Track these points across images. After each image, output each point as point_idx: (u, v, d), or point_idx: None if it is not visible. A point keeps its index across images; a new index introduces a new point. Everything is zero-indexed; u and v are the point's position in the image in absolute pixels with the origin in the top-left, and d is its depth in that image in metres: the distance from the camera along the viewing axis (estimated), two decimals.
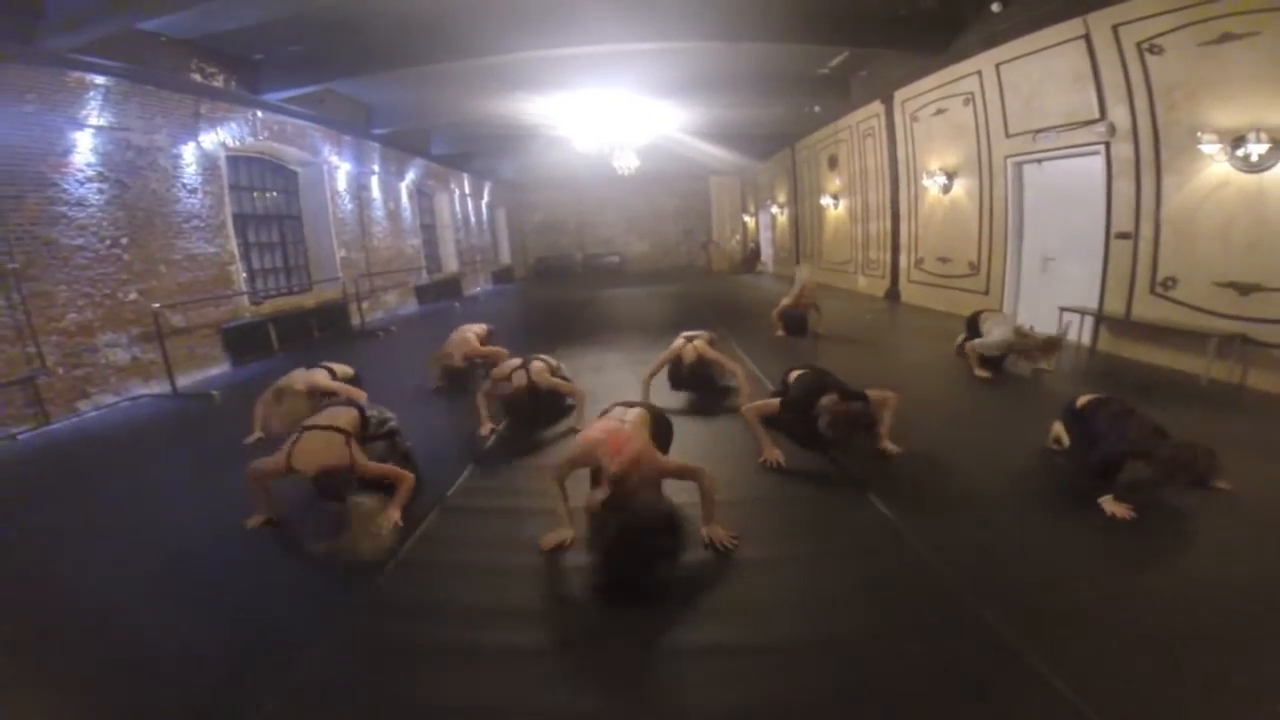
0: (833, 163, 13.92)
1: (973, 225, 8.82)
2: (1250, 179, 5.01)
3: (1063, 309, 6.82)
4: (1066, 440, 3.71)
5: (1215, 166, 5.24)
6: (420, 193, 15.48)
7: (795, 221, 17.04)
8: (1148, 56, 5.73)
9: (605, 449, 2.90)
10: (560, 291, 16.75)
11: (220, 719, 1.98)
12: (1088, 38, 6.31)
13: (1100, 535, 2.89)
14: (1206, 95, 5.27)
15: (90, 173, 6.45)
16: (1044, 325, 6.80)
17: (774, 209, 18.96)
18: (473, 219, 19.31)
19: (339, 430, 3.38)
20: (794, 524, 3.24)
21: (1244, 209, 5.10)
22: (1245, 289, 5.15)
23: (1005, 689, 1.98)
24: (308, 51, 7.91)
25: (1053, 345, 5.63)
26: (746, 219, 22.88)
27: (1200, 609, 2.31)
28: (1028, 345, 5.59)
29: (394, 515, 3.25)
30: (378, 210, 12.82)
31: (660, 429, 3.46)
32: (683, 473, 3.08)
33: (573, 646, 2.37)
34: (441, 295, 15.22)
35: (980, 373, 5.67)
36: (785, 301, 8.32)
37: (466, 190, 18.67)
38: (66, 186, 6.20)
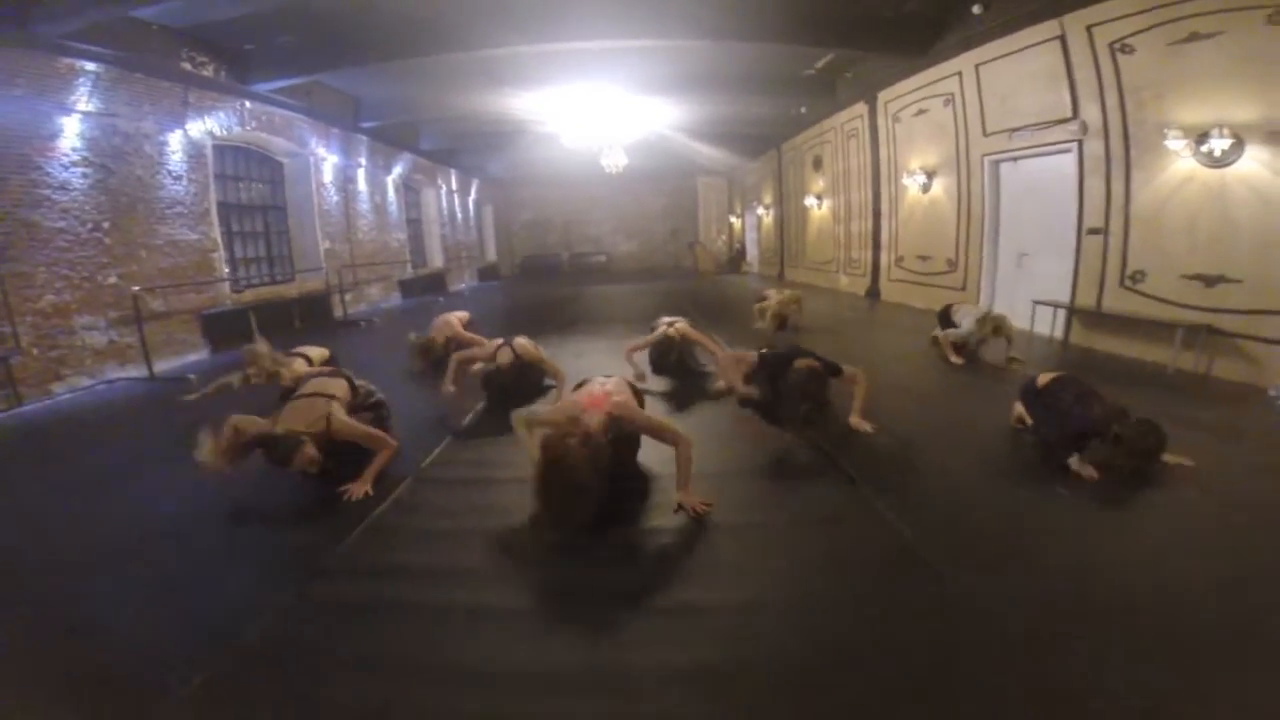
0: (817, 163, 14.06)
1: (951, 223, 8.96)
2: (1214, 174, 5.15)
3: (1036, 303, 6.96)
4: (1029, 419, 3.80)
5: (1181, 162, 5.39)
6: (407, 187, 15.46)
7: (780, 222, 17.18)
8: (1119, 56, 5.87)
9: (583, 408, 2.97)
10: (546, 289, 16.75)
11: (171, 680, 1.96)
12: (1063, 38, 6.46)
13: (1069, 508, 2.96)
14: (1173, 93, 5.42)
15: (75, 157, 6.43)
16: (1017, 320, 6.93)
17: (760, 210, 19.10)
18: (459, 215, 19.29)
19: (326, 396, 3.41)
20: (767, 495, 3.30)
21: (1208, 203, 5.25)
22: (1210, 281, 5.29)
23: (975, 657, 1.99)
24: (297, 42, 7.93)
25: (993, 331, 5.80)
26: (733, 220, 23.03)
27: (1164, 578, 2.37)
28: (987, 333, 5.77)
29: (365, 485, 3.28)
30: (363, 203, 12.80)
31: (636, 398, 3.53)
32: (663, 432, 3.13)
33: (543, 606, 2.40)
34: (426, 290, 15.21)
35: (954, 358, 5.82)
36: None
37: (454, 186, 18.66)
38: (51, 170, 6.19)
